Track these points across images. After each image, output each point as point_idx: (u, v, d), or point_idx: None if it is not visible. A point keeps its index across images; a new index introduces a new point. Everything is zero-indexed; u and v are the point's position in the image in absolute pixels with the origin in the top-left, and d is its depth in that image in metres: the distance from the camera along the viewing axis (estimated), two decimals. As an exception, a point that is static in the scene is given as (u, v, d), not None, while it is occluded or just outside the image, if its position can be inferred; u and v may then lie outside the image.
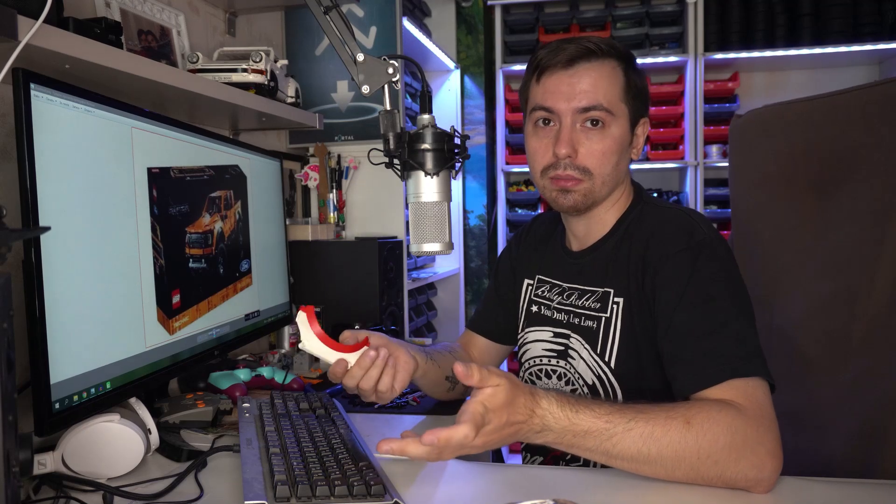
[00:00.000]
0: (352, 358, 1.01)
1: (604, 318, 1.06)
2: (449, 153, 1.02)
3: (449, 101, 3.15)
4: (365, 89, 1.04)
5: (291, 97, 1.75)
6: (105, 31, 1.10)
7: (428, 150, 1.00)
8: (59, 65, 1.02)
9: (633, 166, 1.17)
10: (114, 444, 0.92)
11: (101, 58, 1.05)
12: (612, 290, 1.07)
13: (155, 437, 0.97)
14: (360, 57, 1.03)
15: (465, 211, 3.26)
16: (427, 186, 1.01)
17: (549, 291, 1.19)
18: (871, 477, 1.04)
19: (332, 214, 2.18)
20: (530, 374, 1.19)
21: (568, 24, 3.07)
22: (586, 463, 1.07)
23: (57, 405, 0.86)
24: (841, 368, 1.15)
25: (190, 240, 1.21)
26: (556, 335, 1.14)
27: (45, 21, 0.92)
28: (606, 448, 0.83)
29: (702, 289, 0.96)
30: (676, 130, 2.94)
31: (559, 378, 1.13)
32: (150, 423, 0.98)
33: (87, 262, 0.93)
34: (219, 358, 1.32)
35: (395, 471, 0.91)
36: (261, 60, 1.54)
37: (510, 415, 0.81)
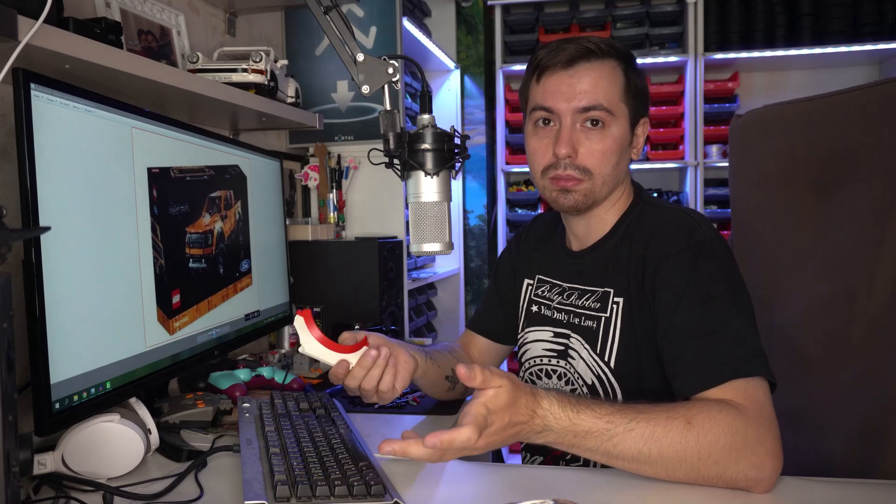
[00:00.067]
0: (353, 358, 1.01)
1: (604, 318, 1.07)
2: (449, 153, 1.02)
3: (449, 101, 3.15)
4: (365, 89, 1.04)
5: (291, 97, 1.75)
6: (105, 31, 1.10)
7: (428, 150, 1.00)
8: (59, 65, 1.02)
9: (633, 166, 1.17)
10: (114, 444, 0.92)
11: (101, 58, 1.05)
12: (612, 290, 1.07)
13: (155, 437, 0.98)
14: (360, 57, 1.03)
15: (465, 211, 3.26)
16: (427, 186, 1.01)
17: (549, 291, 1.19)
18: (871, 477, 1.04)
19: (332, 214, 2.18)
20: (530, 373, 1.19)
21: (568, 24, 3.07)
22: (586, 463, 1.07)
23: (57, 405, 0.86)
24: (841, 368, 1.15)
25: (190, 240, 1.21)
26: (556, 335, 1.14)
27: (45, 21, 0.92)
28: (607, 448, 0.83)
29: (702, 289, 0.96)
30: (676, 130, 2.94)
31: (559, 378, 1.13)
32: (150, 423, 0.98)
33: (87, 262, 0.93)
34: (219, 358, 1.32)
35: (395, 471, 0.91)
36: (261, 60, 1.54)
37: (512, 416, 0.81)
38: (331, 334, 1.01)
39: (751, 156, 1.38)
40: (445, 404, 1.30)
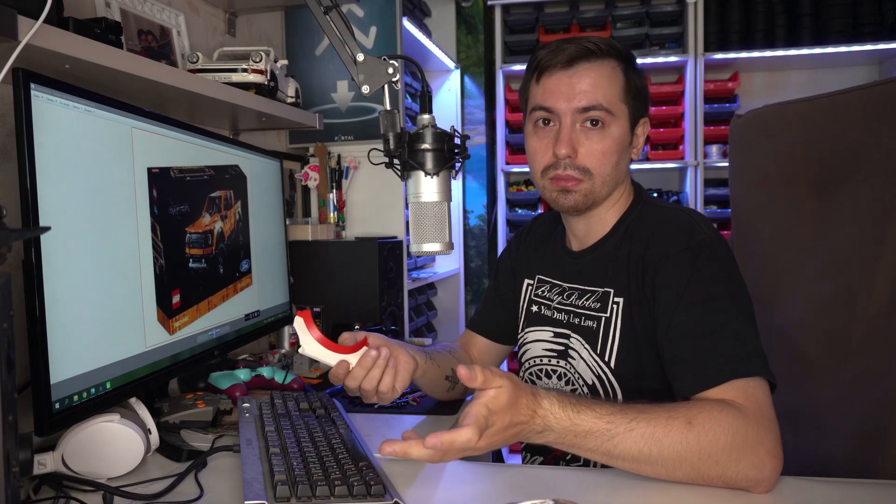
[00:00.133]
0: (353, 359, 1.01)
1: (604, 318, 1.07)
2: (449, 153, 1.02)
3: (449, 101, 3.15)
4: (365, 89, 1.04)
5: (291, 97, 1.75)
6: (105, 31, 1.10)
7: (428, 150, 1.00)
8: (59, 65, 1.02)
9: (633, 166, 1.17)
10: (114, 444, 0.92)
11: (101, 58, 1.05)
12: (612, 290, 1.07)
13: (155, 437, 0.98)
14: (360, 57, 1.03)
15: (465, 211, 3.26)
16: (427, 186, 1.01)
17: (549, 291, 1.19)
18: (871, 477, 1.04)
19: (332, 214, 2.18)
20: (530, 374, 1.19)
21: (568, 24, 3.07)
22: (586, 463, 1.07)
23: (57, 405, 0.86)
24: (841, 368, 1.15)
25: (190, 240, 1.21)
26: (557, 335, 1.14)
27: (45, 21, 0.92)
28: (608, 448, 0.83)
29: (702, 289, 0.96)
30: (676, 130, 2.94)
31: (559, 378, 1.13)
32: (150, 423, 0.98)
33: (87, 262, 0.93)
34: (219, 358, 1.32)
35: (395, 471, 0.91)
36: (261, 60, 1.54)
37: (513, 416, 0.81)
38: (331, 334, 1.01)
39: (751, 156, 1.38)
40: (445, 404, 1.30)
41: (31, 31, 0.90)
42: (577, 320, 1.11)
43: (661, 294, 0.99)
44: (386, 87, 1.05)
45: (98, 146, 0.97)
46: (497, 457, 1.42)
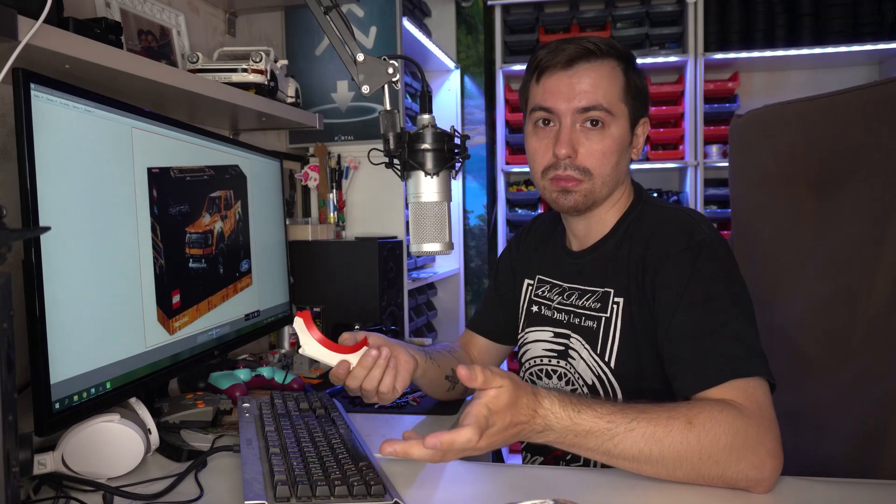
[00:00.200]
0: (353, 359, 1.01)
1: (604, 318, 1.06)
2: (449, 153, 1.02)
3: (449, 101, 3.15)
4: (365, 89, 1.04)
5: (291, 97, 1.75)
6: (105, 31, 1.10)
7: (428, 150, 1.00)
8: (59, 65, 1.02)
9: (633, 166, 1.17)
10: (114, 444, 0.92)
11: (101, 58, 1.05)
12: (612, 290, 1.07)
13: (155, 437, 0.98)
14: (360, 57, 1.03)
15: (465, 211, 3.26)
16: (427, 186, 1.01)
17: (549, 291, 1.19)
18: (871, 477, 1.04)
19: (332, 214, 2.18)
20: (530, 374, 1.19)
21: (568, 24, 3.07)
22: (586, 463, 1.07)
23: (57, 405, 0.86)
24: (841, 368, 1.15)
25: (190, 240, 1.21)
26: (557, 335, 1.14)
27: (45, 21, 0.92)
28: (608, 448, 0.83)
29: (702, 289, 0.96)
30: (676, 130, 2.94)
31: (559, 378, 1.13)
32: (150, 423, 0.98)
33: (87, 262, 0.93)
34: (219, 358, 1.32)
35: (395, 471, 0.91)
36: (261, 60, 1.54)
37: (513, 416, 0.80)
38: (331, 335, 1.01)
39: (751, 156, 1.38)
40: (445, 404, 1.30)
41: (31, 31, 0.90)
42: (577, 320, 1.11)
43: (662, 294, 0.99)
44: (386, 87, 1.05)
45: (98, 146, 0.97)
46: (497, 457, 1.42)
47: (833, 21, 2.79)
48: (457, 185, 3.14)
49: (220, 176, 1.33)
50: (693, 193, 2.89)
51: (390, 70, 1.03)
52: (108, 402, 0.95)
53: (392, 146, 1.01)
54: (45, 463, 0.88)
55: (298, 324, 1.00)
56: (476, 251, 3.30)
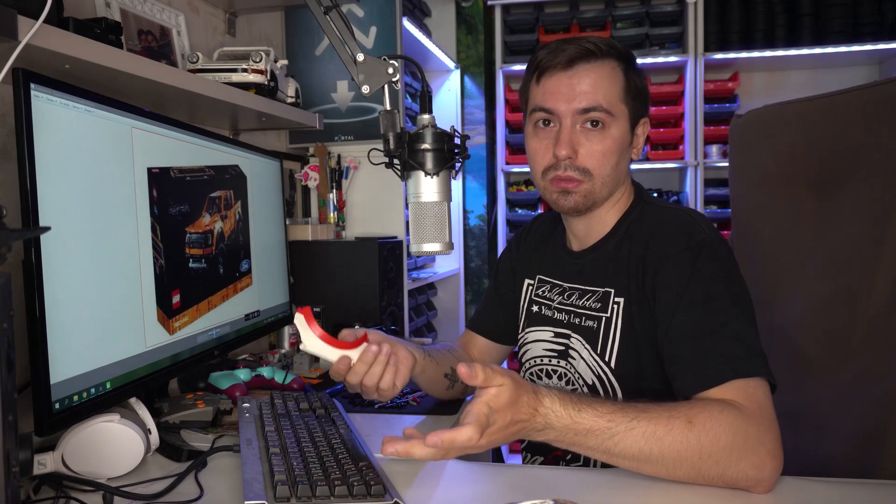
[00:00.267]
0: (354, 355, 1.01)
1: (604, 318, 1.06)
2: (449, 153, 1.02)
3: (449, 101, 3.15)
4: (365, 89, 1.04)
5: (291, 97, 1.75)
6: (105, 31, 1.10)
7: (428, 150, 1.00)
8: (59, 65, 1.02)
9: (633, 166, 1.17)
10: (114, 444, 0.92)
11: (101, 58, 1.05)
12: (612, 290, 1.07)
13: (155, 437, 0.98)
14: (360, 57, 1.03)
15: (465, 211, 3.26)
16: (427, 186, 1.01)
17: (549, 291, 1.19)
18: (871, 477, 1.04)
19: (332, 214, 2.18)
20: (530, 374, 1.19)
21: (568, 24, 3.07)
22: (586, 463, 1.07)
23: (57, 405, 0.86)
24: (841, 368, 1.15)
25: (190, 240, 1.21)
26: (557, 335, 1.14)
27: (45, 21, 0.92)
28: (608, 447, 0.83)
29: (702, 289, 0.96)
30: (676, 130, 2.94)
31: (559, 378, 1.13)
32: (150, 423, 0.98)
33: (87, 262, 0.93)
34: (219, 358, 1.32)
35: (395, 471, 0.91)
36: (261, 60, 1.54)
37: (514, 414, 0.80)
38: (331, 333, 1.01)
39: (751, 156, 1.38)
40: (446, 404, 1.30)
41: (31, 31, 0.90)
42: (577, 320, 1.11)
43: (662, 294, 0.98)
44: (386, 87, 1.05)
45: (98, 146, 0.97)
46: (497, 457, 1.42)
47: (833, 21, 2.79)
48: (457, 185, 3.14)
49: (220, 176, 1.33)
50: (693, 193, 2.89)
51: (390, 70, 1.03)
52: (108, 402, 0.95)
53: (392, 146, 1.01)
54: (45, 463, 0.88)
55: (299, 320, 1.00)
56: (476, 251, 3.30)
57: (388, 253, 2.00)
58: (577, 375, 1.10)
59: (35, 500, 0.87)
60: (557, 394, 0.84)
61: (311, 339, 1.00)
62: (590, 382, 1.07)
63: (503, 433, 0.81)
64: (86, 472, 0.90)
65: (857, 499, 0.85)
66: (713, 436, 0.82)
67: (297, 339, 1.86)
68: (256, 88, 1.55)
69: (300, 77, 2.04)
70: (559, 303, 1.16)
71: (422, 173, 1.01)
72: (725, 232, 2.42)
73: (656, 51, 2.98)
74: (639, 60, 1.12)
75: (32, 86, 0.85)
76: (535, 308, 1.21)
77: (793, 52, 2.82)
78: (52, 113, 0.88)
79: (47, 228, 0.83)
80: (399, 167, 1.03)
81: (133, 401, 0.99)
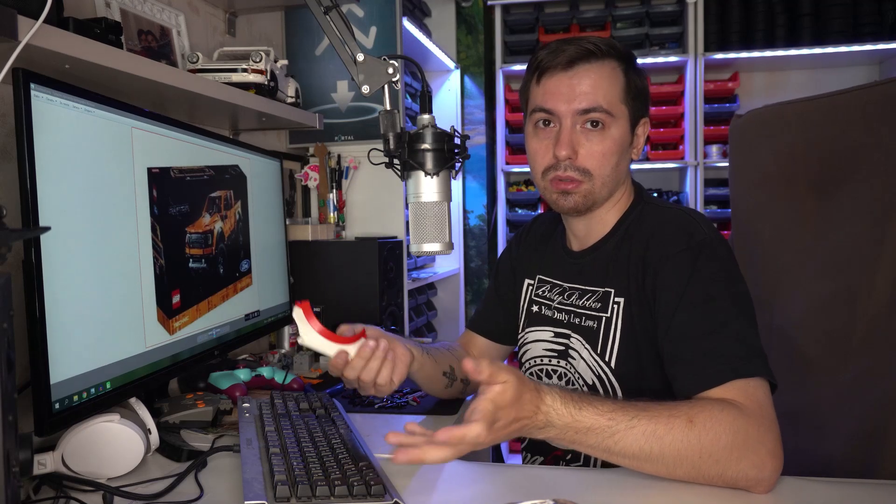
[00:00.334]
0: (351, 349, 1.01)
1: (604, 318, 1.07)
2: (449, 153, 1.02)
3: (449, 101, 3.15)
4: (365, 89, 1.04)
5: (291, 97, 1.75)
6: (105, 31, 1.10)
7: (428, 150, 1.00)
8: (59, 65, 1.02)
9: (633, 166, 1.17)
10: (114, 444, 0.92)
11: (101, 58, 1.05)
12: (612, 290, 1.07)
13: (155, 437, 0.98)
14: (360, 57, 1.03)
15: (465, 211, 3.26)
16: (427, 186, 1.01)
17: (549, 291, 1.19)
18: (871, 477, 1.04)
19: (332, 214, 2.18)
20: (530, 374, 1.19)
21: (568, 24, 3.07)
22: (586, 463, 1.07)
23: (57, 405, 0.86)
24: (841, 368, 1.15)
25: (190, 240, 1.21)
26: (557, 335, 1.14)
27: (45, 21, 0.92)
28: (608, 445, 0.83)
29: (702, 289, 0.96)
30: (676, 130, 2.94)
31: (559, 378, 1.13)
32: (150, 423, 0.98)
33: (87, 262, 0.93)
34: (219, 358, 1.32)
35: (395, 471, 0.91)
36: (261, 60, 1.54)
37: (517, 412, 0.80)
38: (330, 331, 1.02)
39: (751, 156, 1.38)
40: (446, 403, 1.30)
41: (31, 31, 0.90)
42: (577, 320, 1.11)
43: (662, 294, 0.98)
44: (386, 87, 1.05)
45: (98, 146, 0.97)
46: (497, 457, 1.42)
47: (833, 21, 2.79)
48: (457, 185, 3.14)
49: (220, 176, 1.33)
50: (693, 193, 2.89)
51: (390, 70, 1.03)
52: (108, 402, 0.95)
53: (392, 146, 1.02)
54: (45, 463, 0.88)
55: (297, 314, 1.00)
56: (476, 251, 3.30)
57: (388, 253, 2.00)
58: (577, 375, 1.10)
59: (35, 500, 0.87)
60: (559, 392, 0.84)
61: (310, 333, 1.00)
62: (590, 382, 1.07)
63: (506, 430, 0.80)
64: (86, 472, 0.90)
65: (857, 499, 0.85)
66: (713, 435, 0.82)
67: (296, 333, 1.86)
68: (256, 88, 1.55)
69: (300, 77, 2.04)
70: (559, 303, 1.16)
71: (422, 173, 1.01)
72: (725, 232, 2.42)
73: (656, 51, 2.98)
74: (639, 60, 1.11)
75: (32, 86, 0.85)
76: (535, 308, 1.21)
77: (793, 52, 2.82)
78: (52, 113, 0.88)
79: (47, 228, 0.83)
80: (399, 167, 1.03)
81: (133, 401, 0.99)
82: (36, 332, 0.83)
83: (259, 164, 1.52)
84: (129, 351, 1.02)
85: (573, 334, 1.11)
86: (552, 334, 1.15)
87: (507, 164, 3.10)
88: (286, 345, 1.80)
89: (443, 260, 2.93)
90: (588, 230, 1.14)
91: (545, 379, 1.16)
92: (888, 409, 1.05)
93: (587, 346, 1.08)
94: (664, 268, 0.99)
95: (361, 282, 1.93)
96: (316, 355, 1.82)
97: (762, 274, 1.33)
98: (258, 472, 0.84)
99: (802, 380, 1.23)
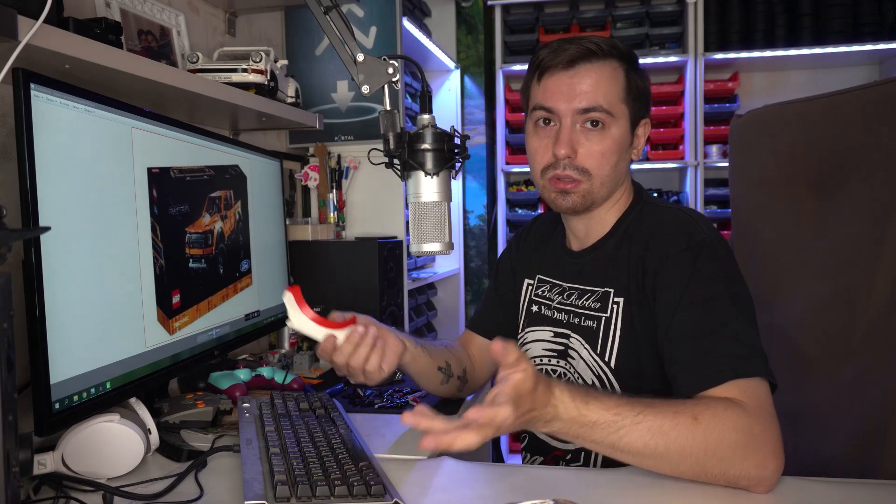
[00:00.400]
0: (340, 335, 1.01)
1: (604, 318, 1.06)
2: (449, 153, 1.02)
3: (449, 101, 3.14)
4: (365, 89, 1.04)
5: (291, 97, 1.75)
6: (105, 31, 1.10)
7: (428, 150, 1.00)
8: (59, 65, 1.02)
9: (633, 166, 1.17)
10: (114, 444, 0.92)
11: (101, 58, 1.05)
12: (612, 290, 1.07)
13: (155, 437, 0.98)
14: (360, 57, 1.03)
15: (465, 211, 3.26)
16: (427, 186, 1.01)
17: (549, 291, 1.19)
18: (871, 477, 1.04)
19: (332, 214, 2.18)
20: (530, 374, 1.18)
21: (568, 24, 3.07)
22: (586, 463, 1.07)
23: (57, 405, 0.86)
24: (841, 368, 1.15)
25: (190, 240, 1.21)
26: (557, 335, 1.14)
27: (45, 21, 0.91)
28: (613, 441, 0.83)
29: (702, 289, 0.96)
30: (676, 130, 2.94)
31: (559, 378, 1.13)
32: (150, 423, 0.98)
33: (87, 262, 0.93)
34: (219, 358, 1.32)
35: (395, 471, 0.91)
36: (261, 60, 1.54)
37: (532, 402, 0.80)
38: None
39: (751, 156, 1.38)
40: (446, 404, 1.30)
41: (31, 31, 0.90)
42: (577, 320, 1.11)
43: (662, 294, 0.98)
44: (386, 87, 1.05)
45: (98, 146, 0.97)
46: (497, 457, 1.42)
47: (833, 21, 2.79)
48: (457, 185, 3.14)
49: (220, 176, 1.33)
50: (693, 193, 2.89)
51: (390, 70, 1.03)
52: (108, 402, 0.95)
53: (392, 146, 1.02)
54: (45, 463, 0.88)
55: (288, 298, 1.00)
56: (476, 251, 3.30)
57: (388, 253, 2.00)
58: (576, 375, 1.10)
59: (35, 500, 0.87)
60: (566, 386, 0.84)
61: (298, 317, 1.00)
62: (589, 382, 1.07)
63: (519, 420, 0.79)
64: (86, 472, 0.90)
65: (857, 499, 0.85)
66: (718, 433, 0.82)
67: (297, 339, 1.86)
68: (256, 88, 1.55)
69: (300, 77, 2.04)
70: (559, 303, 1.16)
71: (422, 173, 1.01)
72: (725, 232, 2.42)
73: (656, 51, 2.98)
74: (639, 60, 1.11)
75: (32, 86, 0.85)
76: (534, 308, 1.21)
77: (793, 52, 2.82)
78: (52, 113, 0.88)
79: (47, 228, 0.83)
80: (399, 167, 1.03)
81: (133, 401, 0.99)
82: (36, 332, 0.83)
83: (259, 164, 1.52)
84: (129, 351, 1.02)
85: (573, 334, 1.11)
86: (552, 334, 1.15)
87: (507, 164, 3.10)
88: (286, 345, 1.80)
89: (443, 260, 2.93)
90: (587, 230, 1.14)
91: (545, 379, 1.15)
92: (888, 409, 1.05)
93: (587, 345, 1.08)
94: (664, 268, 0.99)
95: (361, 282, 1.93)
96: (316, 356, 1.82)
97: (762, 274, 1.33)
98: (258, 472, 0.84)
99: (802, 380, 1.23)
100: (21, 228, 0.81)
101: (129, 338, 1.02)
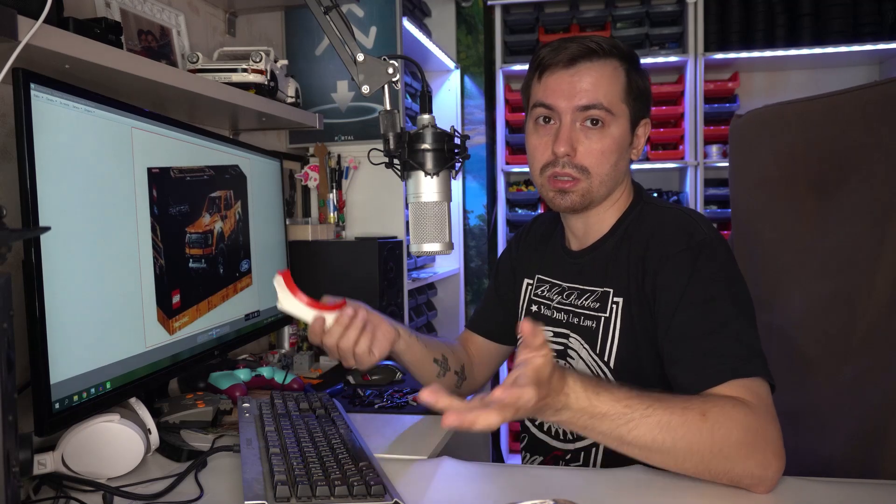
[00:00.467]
0: (329, 317, 1.01)
1: (603, 318, 1.07)
2: (449, 153, 1.02)
3: (449, 101, 3.15)
4: (365, 89, 1.04)
5: (291, 97, 1.75)
6: (105, 31, 1.10)
7: (428, 150, 1.00)
8: (59, 65, 1.02)
9: (633, 166, 1.17)
10: (114, 444, 0.92)
11: (101, 58, 1.05)
12: (611, 290, 1.07)
13: (155, 437, 0.98)
14: (360, 57, 1.03)
15: (465, 211, 3.26)
16: (427, 186, 1.01)
17: (548, 291, 1.19)
18: (871, 477, 1.04)
19: (332, 214, 2.18)
20: (530, 374, 1.18)
21: (568, 24, 3.07)
22: (586, 463, 1.07)
23: (57, 405, 0.86)
24: (841, 368, 1.15)
25: (190, 240, 1.21)
26: (556, 335, 1.14)
27: (45, 21, 0.92)
28: (621, 433, 0.82)
29: (702, 289, 0.95)
30: (676, 130, 2.94)
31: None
32: (150, 423, 0.98)
33: (87, 262, 0.93)
34: (219, 358, 1.32)
35: (395, 471, 0.91)
36: (261, 60, 1.54)
37: (548, 389, 0.78)
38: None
39: (751, 156, 1.38)
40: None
41: (31, 31, 0.90)
42: (576, 320, 1.11)
43: (661, 294, 0.98)
44: (386, 87, 1.05)
45: (98, 146, 0.97)
46: (497, 457, 1.42)
47: (833, 21, 2.79)
48: (457, 185, 3.14)
49: (220, 176, 1.33)
50: (693, 193, 2.89)
51: (390, 70, 1.03)
52: (108, 402, 0.95)
53: (392, 146, 1.02)
54: (45, 463, 0.88)
55: (278, 280, 1.01)
56: (476, 251, 3.30)
57: (388, 253, 2.00)
58: (576, 375, 1.10)
59: (35, 500, 0.87)
60: (579, 376, 0.83)
61: (288, 299, 1.00)
62: (590, 382, 1.07)
63: (535, 405, 0.77)
64: (86, 472, 0.90)
65: (857, 499, 0.85)
66: (725, 431, 0.82)
67: (297, 341, 1.86)
68: (256, 88, 1.55)
69: (300, 77, 2.04)
70: (558, 302, 1.16)
71: (422, 173, 1.01)
72: (725, 232, 2.42)
73: (656, 51, 2.98)
74: (640, 61, 1.11)
75: (32, 86, 0.85)
76: (534, 308, 1.21)
77: (793, 52, 2.82)
78: (52, 113, 0.88)
79: (47, 228, 0.83)
80: (399, 167, 1.03)
81: (133, 401, 0.99)
82: (36, 332, 0.83)
83: (259, 164, 1.52)
84: (129, 351, 1.02)
85: (572, 334, 1.11)
86: (551, 334, 1.15)
87: (507, 164, 3.10)
88: (286, 345, 1.80)
89: (443, 260, 2.93)
90: (586, 229, 1.14)
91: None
92: (888, 409, 1.05)
93: (586, 345, 1.08)
94: (664, 268, 0.99)
95: (361, 282, 1.93)
96: (316, 356, 1.82)
97: (762, 274, 1.33)
98: (258, 472, 0.84)
99: (802, 380, 1.23)
100: (21, 228, 0.81)
101: (129, 338, 1.02)
